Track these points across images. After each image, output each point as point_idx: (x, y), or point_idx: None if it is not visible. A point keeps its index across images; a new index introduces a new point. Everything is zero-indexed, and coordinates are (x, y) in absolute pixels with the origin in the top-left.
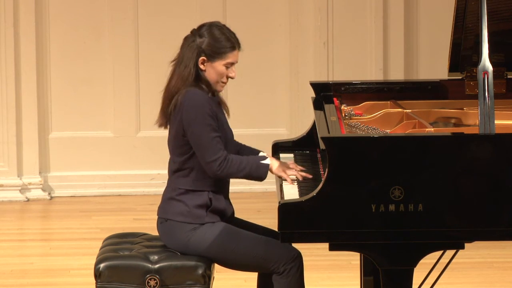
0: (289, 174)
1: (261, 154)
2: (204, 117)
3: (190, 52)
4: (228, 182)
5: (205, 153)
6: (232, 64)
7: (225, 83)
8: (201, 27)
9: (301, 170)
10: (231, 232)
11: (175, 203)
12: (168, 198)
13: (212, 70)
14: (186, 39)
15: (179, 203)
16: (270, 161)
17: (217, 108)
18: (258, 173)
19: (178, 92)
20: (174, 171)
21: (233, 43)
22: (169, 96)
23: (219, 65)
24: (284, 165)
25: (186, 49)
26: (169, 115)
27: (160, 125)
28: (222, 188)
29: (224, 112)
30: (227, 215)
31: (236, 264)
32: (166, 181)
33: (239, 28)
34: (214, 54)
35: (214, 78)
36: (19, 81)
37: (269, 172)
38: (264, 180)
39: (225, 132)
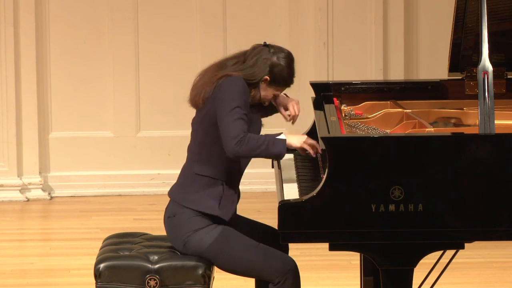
0: (309, 143)
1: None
2: (238, 99)
3: (262, 64)
4: (245, 169)
5: (227, 130)
6: (277, 96)
7: (258, 102)
8: (279, 49)
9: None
10: (230, 237)
11: (189, 189)
12: (184, 183)
13: (263, 90)
14: (260, 49)
15: (193, 191)
16: (287, 137)
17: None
18: (277, 149)
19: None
20: (193, 152)
21: (292, 82)
22: (216, 78)
23: (271, 91)
24: (303, 138)
25: (257, 57)
26: (206, 95)
27: (195, 104)
28: (238, 177)
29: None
30: (233, 210)
31: (232, 269)
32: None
33: (239, 28)
34: (276, 82)
35: (260, 96)
36: (19, 81)
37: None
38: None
39: (252, 124)
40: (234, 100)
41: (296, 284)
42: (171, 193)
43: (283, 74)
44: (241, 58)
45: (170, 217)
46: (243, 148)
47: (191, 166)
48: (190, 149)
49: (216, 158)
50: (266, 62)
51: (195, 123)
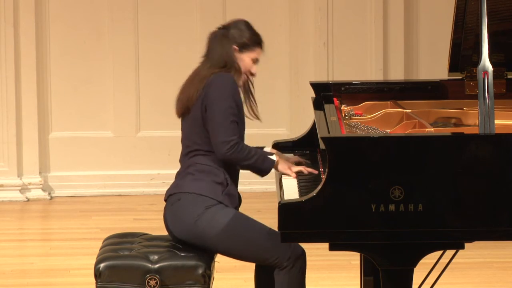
0: (294, 170)
1: (265, 149)
2: (228, 99)
3: (223, 43)
4: (238, 172)
5: (219, 132)
6: (257, 60)
7: (246, 78)
8: (228, 23)
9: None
10: (242, 218)
11: (191, 177)
12: (184, 174)
13: (240, 61)
14: (214, 33)
15: (195, 178)
16: (276, 158)
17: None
18: (264, 166)
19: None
20: (191, 150)
21: (260, 40)
22: (198, 81)
23: (247, 57)
24: (288, 162)
25: (216, 42)
26: (195, 99)
27: (183, 113)
28: (235, 176)
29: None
30: (236, 203)
31: (240, 251)
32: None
33: None
34: (245, 45)
35: (241, 70)
36: (19, 81)
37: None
38: (263, 179)
39: (243, 124)
40: (225, 100)
41: (303, 272)
42: (170, 189)
43: (246, 35)
44: (209, 50)
45: (174, 203)
46: (234, 155)
47: (191, 160)
48: (184, 151)
49: (215, 154)
50: (223, 39)
51: (186, 127)
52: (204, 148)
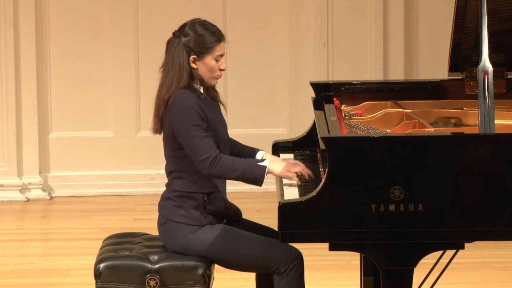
0: (294, 170)
1: (259, 153)
2: (192, 118)
3: (179, 53)
4: (224, 184)
5: (195, 153)
6: (221, 56)
7: (219, 76)
8: (183, 27)
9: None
10: (230, 233)
11: (172, 204)
12: (167, 198)
13: (204, 66)
14: (170, 42)
15: (176, 205)
16: (270, 164)
17: (208, 108)
18: (253, 175)
19: (173, 94)
20: (170, 172)
21: (218, 36)
22: (162, 101)
23: (210, 60)
24: (288, 165)
25: (173, 51)
26: (161, 118)
27: (155, 131)
28: (217, 190)
29: (221, 108)
30: (228, 216)
31: (236, 264)
32: (166, 181)
33: (239, 28)
34: (203, 50)
35: (208, 74)
36: (19, 81)
37: (271, 174)
38: (265, 180)
39: (217, 131)
40: (188, 119)
41: (301, 273)
42: (159, 207)
43: (201, 40)
44: (168, 61)
45: (162, 225)
46: (217, 170)
47: (171, 182)
48: (166, 169)
49: (191, 172)
50: (179, 48)
51: (163, 140)
52: (179, 169)
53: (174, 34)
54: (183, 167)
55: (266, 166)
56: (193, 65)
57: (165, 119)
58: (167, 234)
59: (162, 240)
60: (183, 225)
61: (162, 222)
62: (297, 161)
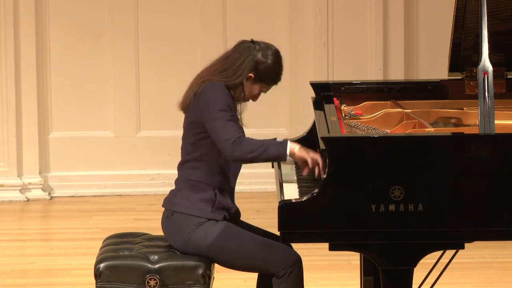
0: (312, 157)
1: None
2: (222, 103)
3: (247, 63)
4: (234, 182)
5: (220, 133)
6: (265, 92)
7: (247, 101)
8: (267, 47)
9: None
10: (233, 232)
11: (181, 194)
12: (176, 190)
13: (250, 87)
14: (244, 45)
15: (185, 196)
16: (290, 143)
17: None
18: (277, 151)
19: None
20: (185, 161)
21: (279, 79)
22: (198, 82)
23: (258, 87)
24: (308, 150)
25: (244, 57)
26: (190, 100)
27: (182, 108)
28: (228, 187)
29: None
30: (231, 214)
31: (235, 264)
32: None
33: (239, 28)
34: (262, 77)
35: (246, 94)
36: (19, 81)
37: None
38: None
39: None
40: (216, 105)
41: (300, 277)
42: (164, 202)
43: (269, 72)
44: (230, 58)
45: (168, 217)
46: (239, 150)
47: (183, 173)
48: (182, 158)
49: (206, 163)
50: (250, 58)
51: (184, 127)
52: (194, 158)
53: (253, 42)
54: (200, 157)
55: (287, 141)
56: (245, 80)
57: (194, 104)
58: (172, 227)
59: (165, 235)
60: (189, 216)
61: (168, 215)
62: (318, 155)
